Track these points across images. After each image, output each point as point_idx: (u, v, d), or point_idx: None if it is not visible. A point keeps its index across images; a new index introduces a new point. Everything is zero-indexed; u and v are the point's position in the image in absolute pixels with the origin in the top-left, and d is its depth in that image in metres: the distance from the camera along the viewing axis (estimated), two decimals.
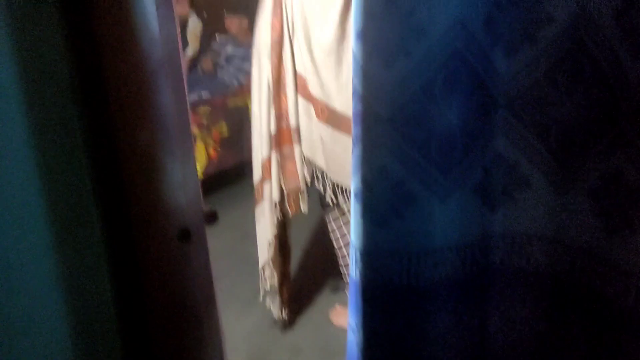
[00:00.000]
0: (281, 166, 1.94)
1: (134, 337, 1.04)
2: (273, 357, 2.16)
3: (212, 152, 3.47)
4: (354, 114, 0.94)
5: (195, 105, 3.49)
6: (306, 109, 1.86)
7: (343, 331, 1.19)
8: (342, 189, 1.89)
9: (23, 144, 0.82)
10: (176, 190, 0.99)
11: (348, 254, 1.75)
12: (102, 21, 0.86)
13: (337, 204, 1.96)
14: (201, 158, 3.38)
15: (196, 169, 1.04)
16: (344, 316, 2.17)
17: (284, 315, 2.23)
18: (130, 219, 0.95)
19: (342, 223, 2.07)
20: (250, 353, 2.16)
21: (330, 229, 2.11)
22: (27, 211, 0.85)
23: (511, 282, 1.06)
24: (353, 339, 1.10)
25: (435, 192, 0.97)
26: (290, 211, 1.98)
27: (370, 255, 1.01)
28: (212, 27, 4.15)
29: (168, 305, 1.05)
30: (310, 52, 1.77)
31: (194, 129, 3.34)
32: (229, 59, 3.96)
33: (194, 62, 4.06)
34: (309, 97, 1.83)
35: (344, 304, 2.24)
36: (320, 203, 2.07)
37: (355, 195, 0.98)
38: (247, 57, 3.74)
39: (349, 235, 1.42)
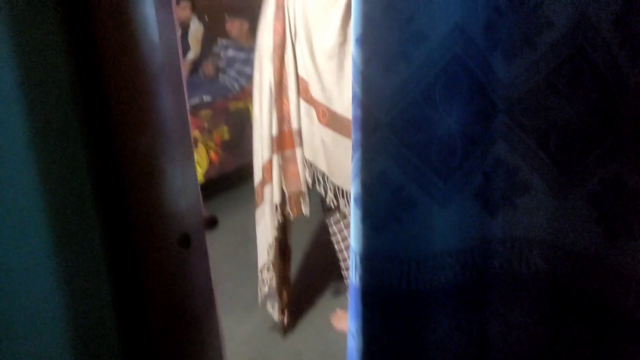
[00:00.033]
0: (283, 169, 1.94)
1: (134, 341, 1.04)
2: None
3: (213, 155, 3.47)
4: (353, 118, 0.94)
5: (196, 109, 3.50)
6: (308, 112, 1.87)
7: (344, 335, 1.18)
8: (343, 192, 1.89)
9: (24, 148, 0.83)
10: (176, 195, 0.99)
11: (349, 257, 1.74)
12: (103, 25, 0.86)
13: (338, 207, 1.96)
14: (202, 161, 3.38)
15: (196, 174, 1.04)
16: (345, 320, 2.16)
17: (284, 319, 2.22)
18: (130, 224, 0.96)
19: (343, 226, 2.06)
20: (251, 357, 2.16)
21: (331, 232, 2.11)
22: (28, 215, 0.85)
23: (511, 287, 1.06)
24: (353, 344, 1.10)
25: (435, 197, 0.96)
26: (292, 214, 1.98)
27: (370, 260, 1.00)
28: (214, 31, 4.17)
29: (168, 309, 1.04)
30: (312, 55, 1.77)
31: (196, 133, 3.35)
32: (230, 63, 3.97)
33: (195, 66, 4.08)
34: (310, 100, 1.83)
35: (345, 307, 2.23)
36: (321, 206, 2.07)
37: (355, 200, 0.98)
38: (248, 61, 3.75)
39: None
